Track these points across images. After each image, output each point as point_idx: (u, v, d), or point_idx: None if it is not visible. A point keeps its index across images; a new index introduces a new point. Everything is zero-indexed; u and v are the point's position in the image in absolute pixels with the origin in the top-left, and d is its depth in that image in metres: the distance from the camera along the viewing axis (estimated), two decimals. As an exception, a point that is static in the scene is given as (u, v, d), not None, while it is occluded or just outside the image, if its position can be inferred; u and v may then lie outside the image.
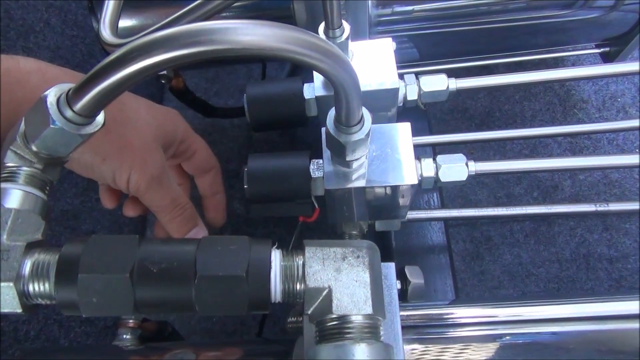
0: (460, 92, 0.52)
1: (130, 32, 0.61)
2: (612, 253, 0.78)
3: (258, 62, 0.84)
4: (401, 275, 0.45)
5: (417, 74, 0.51)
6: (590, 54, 0.77)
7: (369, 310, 0.27)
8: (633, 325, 0.38)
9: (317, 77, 0.47)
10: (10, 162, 0.28)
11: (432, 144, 0.64)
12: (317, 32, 0.42)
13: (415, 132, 0.43)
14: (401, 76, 0.50)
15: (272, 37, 0.23)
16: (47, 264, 0.26)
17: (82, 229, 0.72)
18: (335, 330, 0.27)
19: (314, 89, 0.48)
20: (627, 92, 0.89)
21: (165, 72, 0.63)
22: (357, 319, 0.27)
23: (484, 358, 0.37)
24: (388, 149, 0.41)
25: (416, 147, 0.42)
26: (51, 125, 0.26)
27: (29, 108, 0.27)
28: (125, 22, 0.61)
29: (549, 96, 0.90)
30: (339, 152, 0.35)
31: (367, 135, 0.33)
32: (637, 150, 0.84)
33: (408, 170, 0.40)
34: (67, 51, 0.76)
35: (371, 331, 0.27)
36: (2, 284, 0.25)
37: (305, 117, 0.50)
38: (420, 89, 0.50)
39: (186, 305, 0.27)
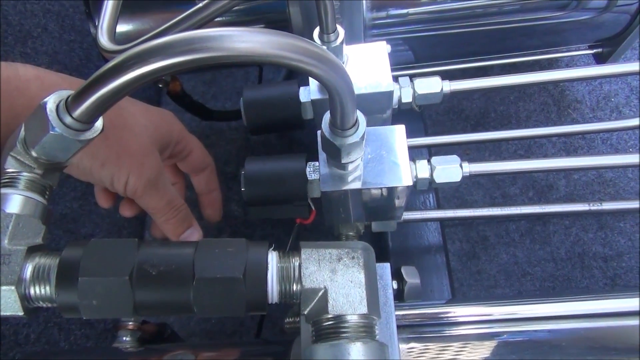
0: (455, 94, 0.53)
1: (128, 36, 0.62)
2: (607, 251, 0.79)
3: (255, 65, 0.85)
4: (398, 276, 0.46)
5: (411, 77, 0.52)
6: (583, 54, 0.78)
7: (364, 310, 0.28)
8: (627, 322, 0.38)
9: (313, 81, 0.47)
10: (11, 167, 0.29)
11: (428, 145, 0.65)
12: (312, 36, 0.43)
13: (411, 133, 0.43)
14: (396, 79, 0.50)
15: (266, 44, 0.24)
16: (47, 268, 0.27)
17: (81, 233, 0.72)
18: (331, 330, 0.28)
19: (309, 92, 0.48)
20: (620, 92, 0.90)
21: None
22: (352, 318, 0.28)
23: (480, 356, 0.38)
24: (383, 151, 0.42)
25: (412, 148, 0.43)
26: (51, 132, 0.26)
27: (29, 114, 0.28)
28: (122, 27, 0.62)
29: (543, 97, 0.91)
30: (335, 155, 0.35)
31: (362, 138, 0.34)
32: (630, 149, 0.85)
33: (403, 172, 0.41)
34: (64, 56, 0.76)
35: (366, 330, 0.28)
36: (4, 287, 0.26)
37: (301, 120, 0.51)
38: (414, 91, 0.50)
39: (185, 307, 0.27)
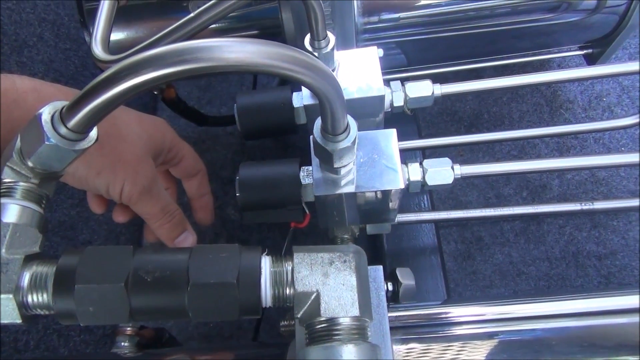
0: (448, 96, 0.54)
1: (121, 45, 0.62)
2: (601, 250, 0.79)
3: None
4: (392, 277, 0.46)
5: (402, 81, 0.53)
6: (574, 55, 0.79)
7: (356, 312, 0.28)
8: (622, 320, 0.39)
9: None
10: (8, 178, 0.29)
11: (422, 148, 0.65)
12: (304, 43, 0.44)
13: (405, 136, 0.44)
14: (387, 83, 0.51)
15: (255, 53, 0.24)
16: (45, 276, 0.27)
17: (79, 239, 0.73)
18: (324, 332, 0.28)
19: (302, 98, 0.49)
20: (612, 91, 0.91)
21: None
22: (344, 320, 0.28)
23: (476, 356, 0.38)
24: (375, 155, 0.42)
25: (406, 151, 0.43)
26: (46, 142, 0.27)
27: (25, 126, 0.28)
28: (116, 36, 0.62)
29: (536, 97, 0.92)
30: (327, 159, 0.36)
31: (354, 142, 0.34)
32: (622, 148, 0.86)
33: (395, 175, 0.41)
34: (60, 64, 0.76)
35: (359, 332, 0.28)
36: (2, 295, 0.26)
37: (294, 125, 0.52)
38: (406, 95, 0.51)
39: (180, 312, 0.28)
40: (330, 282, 0.29)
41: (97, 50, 0.39)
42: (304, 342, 0.30)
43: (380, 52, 0.49)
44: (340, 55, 0.48)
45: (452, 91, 0.54)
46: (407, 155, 0.43)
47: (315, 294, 0.29)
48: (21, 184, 0.29)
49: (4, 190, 0.29)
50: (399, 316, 0.41)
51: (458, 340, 0.40)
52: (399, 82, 0.52)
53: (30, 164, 0.29)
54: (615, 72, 0.57)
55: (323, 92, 0.28)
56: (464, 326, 0.41)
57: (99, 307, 0.27)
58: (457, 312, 0.42)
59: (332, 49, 0.43)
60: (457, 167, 0.48)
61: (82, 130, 0.27)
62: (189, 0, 0.61)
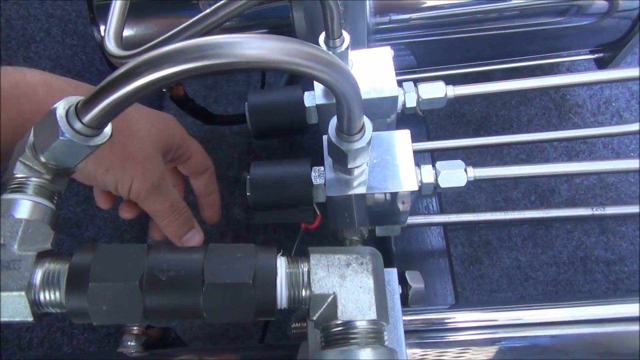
0: (457, 98, 0.53)
1: (131, 41, 0.62)
2: (609, 256, 0.79)
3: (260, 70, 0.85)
4: (402, 280, 0.46)
5: (415, 82, 0.52)
6: (584, 59, 0.78)
7: (373, 315, 0.28)
8: (631, 327, 0.38)
9: (318, 86, 0.47)
10: (20, 173, 0.29)
11: (431, 150, 0.65)
12: (316, 41, 0.43)
13: (414, 138, 0.43)
14: (400, 83, 0.50)
15: (276, 50, 0.24)
16: (57, 273, 0.27)
17: (84, 237, 0.72)
18: (340, 336, 0.28)
19: (314, 97, 0.49)
20: (621, 96, 0.90)
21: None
22: (361, 324, 0.28)
23: (485, 362, 0.38)
24: (388, 156, 0.42)
25: (415, 152, 0.43)
26: (60, 137, 0.26)
27: (38, 120, 0.28)
28: (125, 32, 0.62)
29: (544, 101, 0.91)
30: (341, 160, 0.35)
31: (369, 143, 0.34)
32: (631, 153, 0.85)
33: (408, 177, 0.41)
34: (67, 60, 0.76)
35: (376, 336, 0.28)
36: (14, 293, 0.26)
37: (305, 125, 0.51)
38: (419, 96, 0.51)
39: (194, 312, 0.27)
40: (347, 285, 0.28)
41: (111, 45, 0.38)
42: (318, 345, 0.29)
43: (392, 52, 0.49)
44: (353, 55, 0.47)
45: (464, 93, 0.53)
46: (416, 158, 0.43)
47: (332, 297, 0.28)
48: (33, 179, 0.29)
49: (16, 185, 0.28)
50: (410, 320, 0.41)
51: (466, 345, 0.39)
52: (411, 83, 0.52)
53: (43, 159, 0.28)
54: (624, 77, 0.57)
55: (342, 90, 0.27)
56: (473, 331, 0.40)
57: (113, 306, 0.26)
58: (466, 317, 0.41)
59: (347, 48, 0.42)
60: (470, 169, 0.48)
61: (98, 125, 0.26)
62: (200, -2, 0.61)
